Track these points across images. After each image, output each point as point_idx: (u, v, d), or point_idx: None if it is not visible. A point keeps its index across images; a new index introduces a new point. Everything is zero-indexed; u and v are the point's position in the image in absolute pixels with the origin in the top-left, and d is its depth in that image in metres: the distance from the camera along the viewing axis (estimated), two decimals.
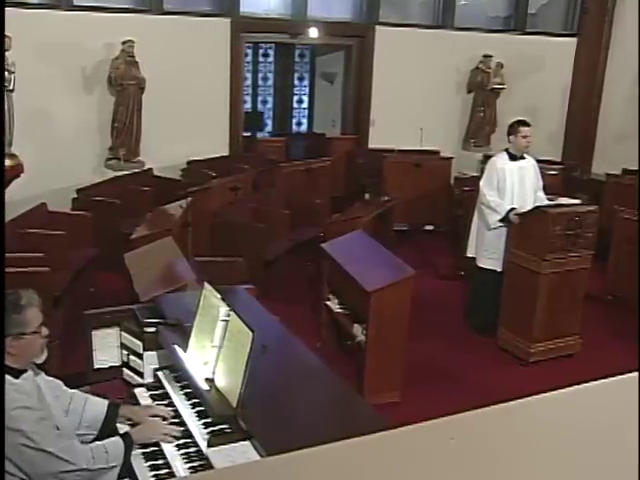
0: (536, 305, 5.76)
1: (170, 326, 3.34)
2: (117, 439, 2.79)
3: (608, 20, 10.88)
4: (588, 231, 5.78)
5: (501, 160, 6.16)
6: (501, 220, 5.99)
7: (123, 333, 3.57)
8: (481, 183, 6.18)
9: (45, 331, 2.70)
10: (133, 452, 2.78)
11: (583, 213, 5.80)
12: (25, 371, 2.67)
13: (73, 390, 3.02)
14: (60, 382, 2.99)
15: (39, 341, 2.69)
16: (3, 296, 2.60)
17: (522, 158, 6.19)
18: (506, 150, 6.20)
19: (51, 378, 2.93)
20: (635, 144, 9.94)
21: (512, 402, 1.45)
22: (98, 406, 2.98)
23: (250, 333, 2.67)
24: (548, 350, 5.92)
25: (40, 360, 2.75)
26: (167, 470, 2.71)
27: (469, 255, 6.38)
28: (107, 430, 2.92)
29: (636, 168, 9.48)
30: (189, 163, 9.46)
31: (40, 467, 2.54)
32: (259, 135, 13.18)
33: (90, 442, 2.83)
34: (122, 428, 2.95)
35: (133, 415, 2.99)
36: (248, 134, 11.78)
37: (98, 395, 3.10)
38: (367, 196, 8.50)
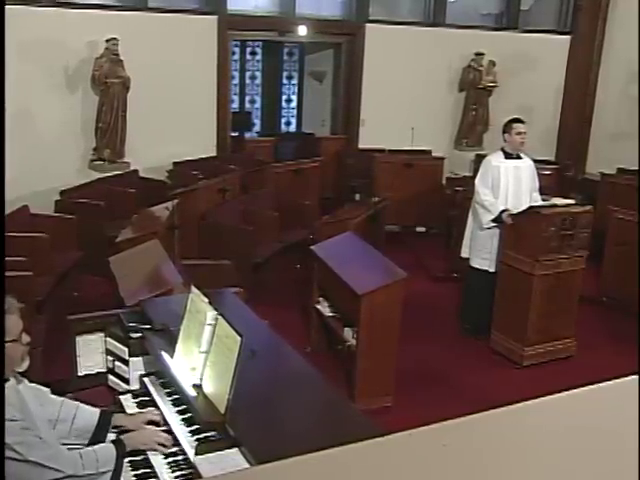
0: (530, 307, 5.72)
1: (156, 331, 3.30)
2: (108, 444, 2.75)
3: (602, 17, 10.91)
4: (582, 232, 5.75)
5: (496, 158, 6.12)
6: (494, 220, 5.94)
7: (108, 339, 3.52)
8: (476, 181, 6.16)
9: (26, 338, 2.62)
10: None
11: (577, 213, 5.77)
12: (7, 380, 2.58)
13: (62, 398, 2.95)
14: (46, 389, 2.92)
15: (20, 349, 2.60)
16: (3, 298, 2.52)
17: (519, 158, 6.14)
18: (502, 149, 6.15)
19: (36, 385, 2.85)
20: (630, 143, 9.93)
21: (506, 407, 1.43)
22: (89, 414, 2.92)
23: (238, 338, 2.62)
24: (543, 353, 5.89)
25: (22, 369, 2.67)
26: (154, 479, 2.67)
27: (463, 255, 6.32)
28: (98, 439, 2.86)
29: (632, 168, 9.45)
30: (175, 164, 9.40)
31: (26, 478, 2.47)
32: (247, 135, 13.14)
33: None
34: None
35: (129, 423, 2.93)
36: (236, 134, 11.70)
37: (83, 402, 3.02)
38: (357, 197, 8.46)
